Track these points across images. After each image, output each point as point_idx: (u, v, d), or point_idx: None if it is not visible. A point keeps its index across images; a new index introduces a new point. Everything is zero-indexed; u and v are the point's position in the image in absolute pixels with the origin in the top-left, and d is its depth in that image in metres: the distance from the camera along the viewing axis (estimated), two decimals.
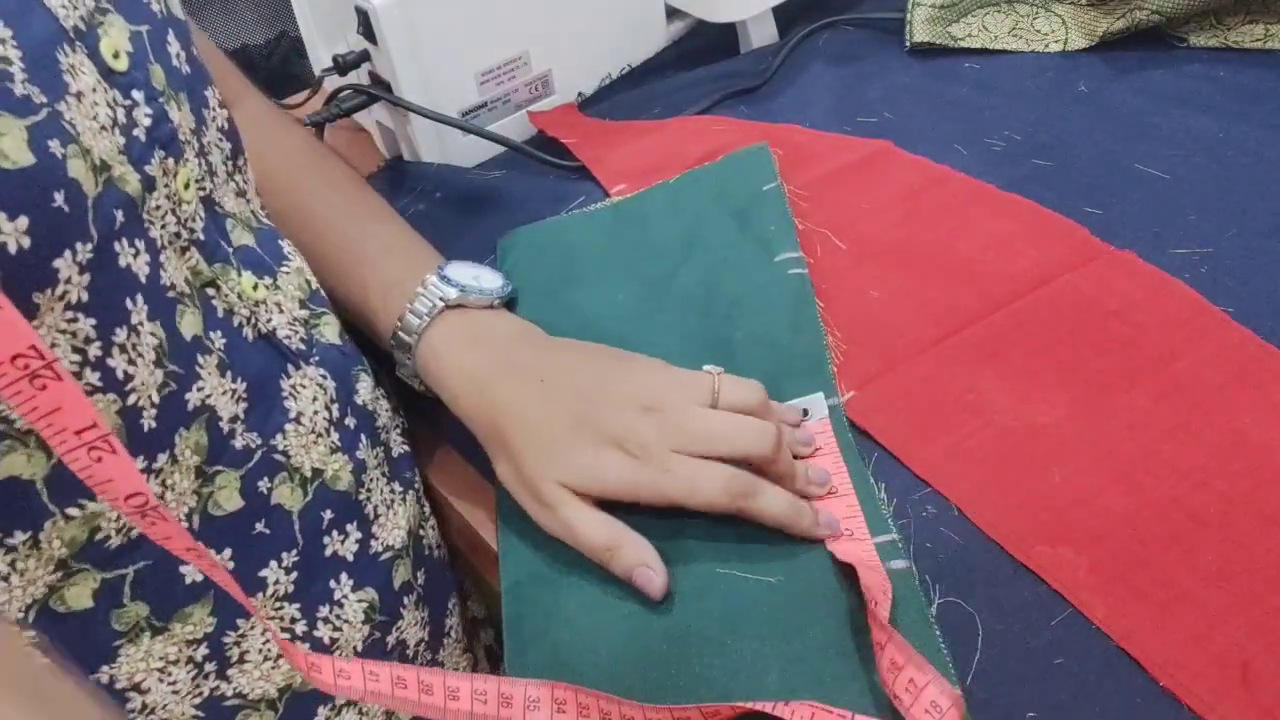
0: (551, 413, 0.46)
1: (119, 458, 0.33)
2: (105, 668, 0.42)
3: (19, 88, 0.34)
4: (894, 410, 0.49)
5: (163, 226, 0.41)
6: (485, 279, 0.55)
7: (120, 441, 0.35)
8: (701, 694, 0.40)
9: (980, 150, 0.64)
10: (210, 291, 0.44)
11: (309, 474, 0.47)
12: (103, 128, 0.38)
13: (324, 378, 0.49)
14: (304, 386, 0.48)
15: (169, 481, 0.41)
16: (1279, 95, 0.62)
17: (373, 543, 0.50)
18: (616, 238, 0.62)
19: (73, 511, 0.39)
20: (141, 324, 0.39)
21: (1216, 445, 0.45)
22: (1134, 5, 0.68)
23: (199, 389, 0.42)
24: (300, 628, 0.47)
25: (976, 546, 0.43)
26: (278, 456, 0.46)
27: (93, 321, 0.37)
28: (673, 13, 0.81)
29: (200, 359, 0.42)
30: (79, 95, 0.36)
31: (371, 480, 0.51)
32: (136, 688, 0.43)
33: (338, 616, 0.48)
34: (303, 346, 0.49)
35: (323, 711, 0.49)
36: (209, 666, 0.45)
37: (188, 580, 0.43)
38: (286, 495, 0.46)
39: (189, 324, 0.42)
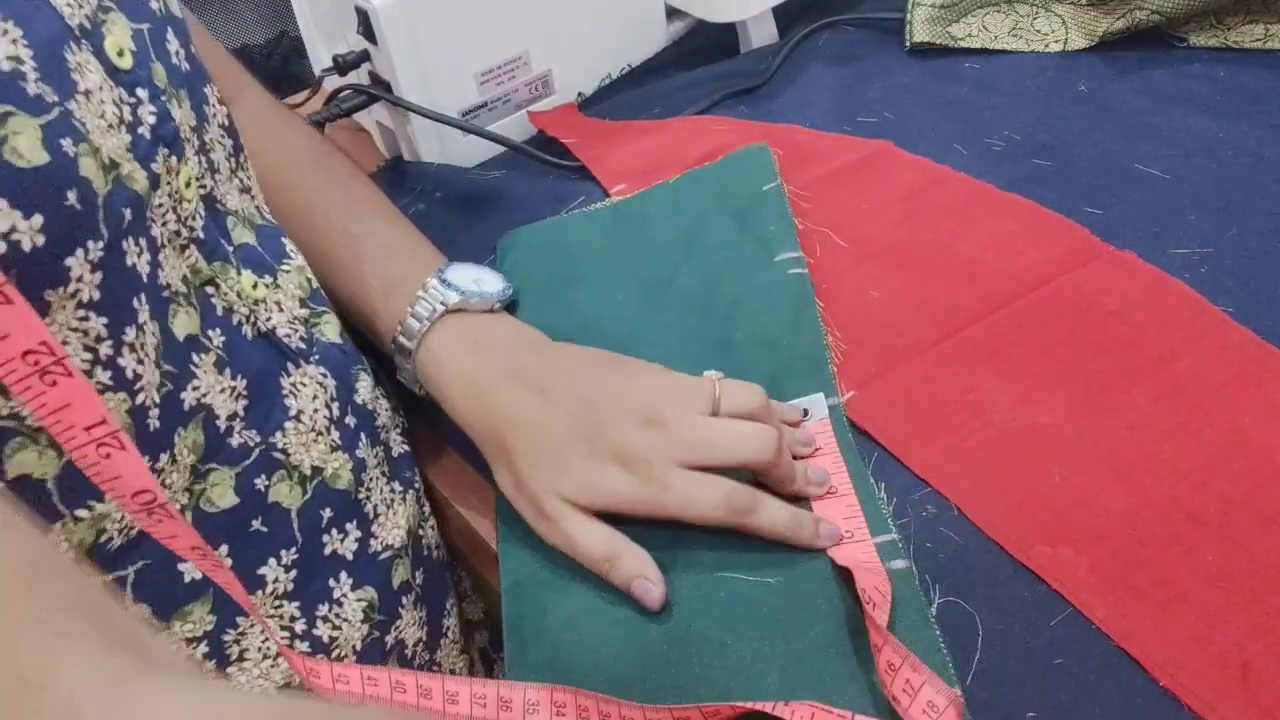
0: (552, 425, 0.46)
1: (128, 454, 0.34)
2: None
3: (32, 87, 0.34)
4: (894, 410, 0.49)
5: (163, 225, 0.41)
6: (486, 282, 0.55)
7: (130, 438, 0.35)
8: (701, 694, 0.40)
9: (980, 150, 0.64)
10: (209, 290, 0.44)
11: (308, 472, 0.47)
12: (110, 126, 0.38)
13: (324, 376, 0.49)
14: (304, 385, 0.48)
15: (167, 480, 0.41)
16: (1279, 95, 0.62)
17: (372, 542, 0.50)
18: (616, 238, 0.62)
19: (81, 513, 0.39)
20: (145, 323, 0.39)
21: (1216, 445, 0.44)
22: (1134, 5, 0.68)
23: (194, 388, 0.42)
24: (299, 626, 0.47)
25: (976, 546, 0.43)
26: (277, 454, 0.46)
27: (104, 320, 0.37)
28: (673, 13, 0.81)
29: (195, 358, 0.42)
30: (87, 94, 0.37)
31: (371, 479, 0.51)
32: None
33: (337, 615, 0.48)
34: (303, 345, 0.49)
35: None
36: (208, 665, 0.45)
37: (187, 579, 0.43)
38: (285, 493, 0.46)
39: (181, 324, 0.42)
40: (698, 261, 0.59)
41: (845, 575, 0.43)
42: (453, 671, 0.58)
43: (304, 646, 0.48)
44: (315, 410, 0.48)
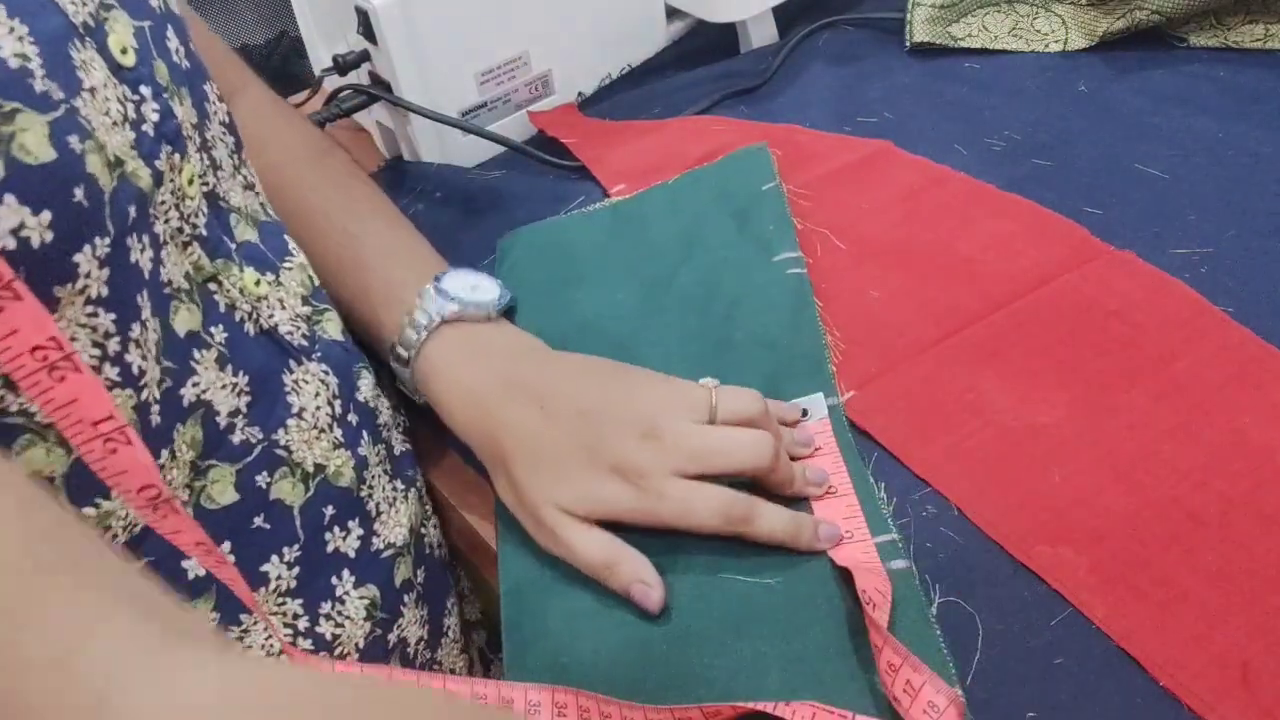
0: (550, 437, 0.46)
1: (134, 449, 0.34)
2: None
3: (39, 84, 0.34)
4: (894, 410, 0.49)
5: (166, 221, 0.41)
6: (483, 289, 0.55)
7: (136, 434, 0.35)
8: (702, 694, 0.40)
9: (980, 150, 0.64)
10: (212, 287, 0.44)
11: (311, 469, 0.47)
12: (115, 123, 0.38)
13: (326, 374, 0.49)
14: (306, 382, 0.48)
15: (167, 477, 0.41)
16: (1279, 95, 0.62)
17: (374, 540, 0.51)
18: (616, 238, 0.62)
19: (89, 511, 0.39)
20: (147, 319, 0.39)
21: (1216, 445, 0.44)
22: (1134, 5, 0.68)
23: (194, 384, 0.42)
24: (302, 624, 0.47)
25: (976, 546, 0.43)
26: (279, 451, 0.46)
27: (112, 316, 0.37)
28: (673, 13, 0.81)
29: (196, 354, 0.42)
30: (92, 91, 0.37)
31: (373, 477, 0.51)
32: None
33: (339, 613, 0.49)
34: (304, 342, 0.49)
35: None
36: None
37: (190, 575, 0.43)
38: (287, 490, 0.46)
39: (182, 320, 0.42)
40: (697, 261, 0.59)
41: (845, 575, 0.43)
42: (453, 671, 0.58)
43: (307, 644, 0.48)
44: (317, 407, 0.48)
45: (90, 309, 0.36)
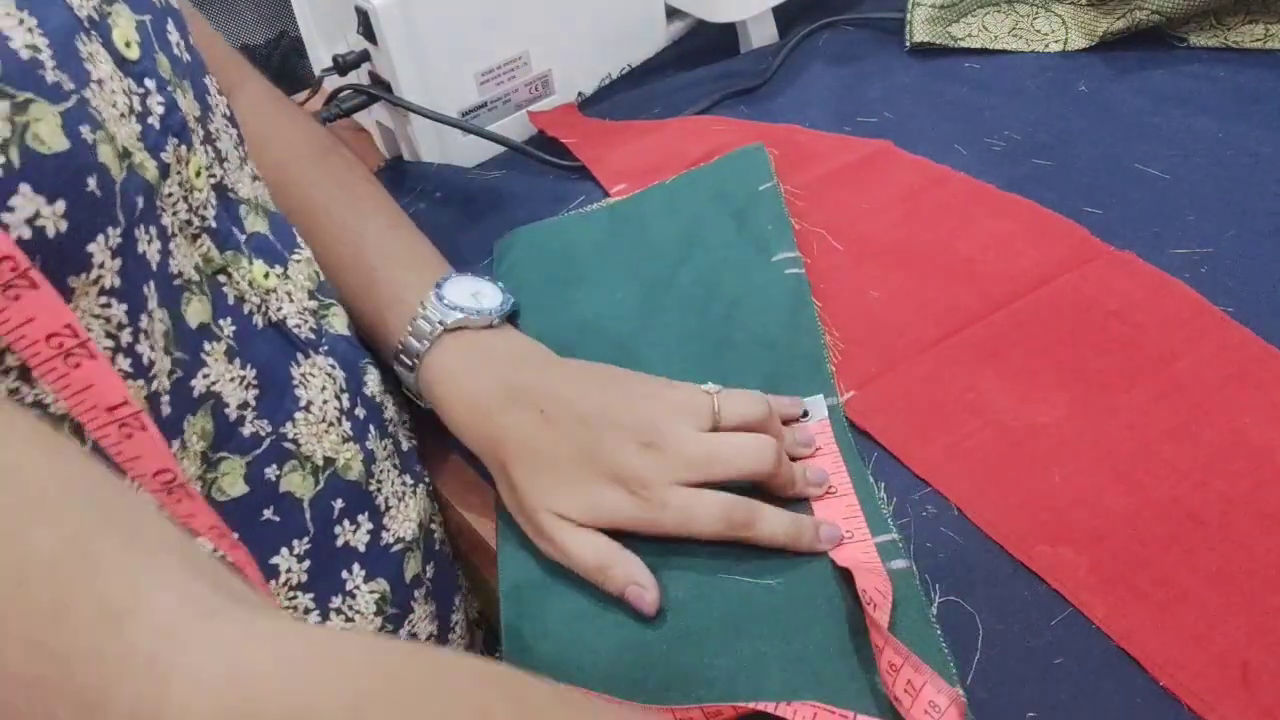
0: (551, 446, 0.47)
1: (149, 434, 0.34)
2: None
3: (50, 74, 0.34)
4: (894, 410, 0.49)
5: (174, 214, 0.42)
6: (485, 297, 0.55)
7: (150, 419, 0.35)
8: (703, 694, 0.40)
9: (980, 150, 0.64)
10: (221, 279, 0.44)
11: (320, 463, 0.47)
12: (122, 115, 0.38)
13: (333, 367, 0.49)
14: (313, 375, 0.48)
15: (180, 467, 0.41)
16: (1279, 95, 0.62)
17: (384, 534, 0.51)
18: (614, 238, 0.62)
19: None
20: (154, 310, 0.39)
21: (1216, 445, 0.45)
22: (1134, 5, 0.68)
23: (204, 375, 0.42)
24: (314, 618, 0.47)
25: (976, 546, 0.43)
26: (288, 444, 0.46)
27: (124, 307, 0.37)
28: (673, 13, 0.81)
29: (207, 346, 0.43)
30: (100, 83, 0.37)
31: (382, 472, 0.51)
32: None
33: (350, 607, 0.49)
34: (312, 336, 0.49)
35: None
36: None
37: None
38: (297, 483, 0.46)
39: (194, 312, 0.42)
40: (696, 262, 0.59)
41: (846, 576, 0.43)
42: None
43: None
44: (325, 401, 0.48)
45: (104, 299, 0.37)
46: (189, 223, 0.43)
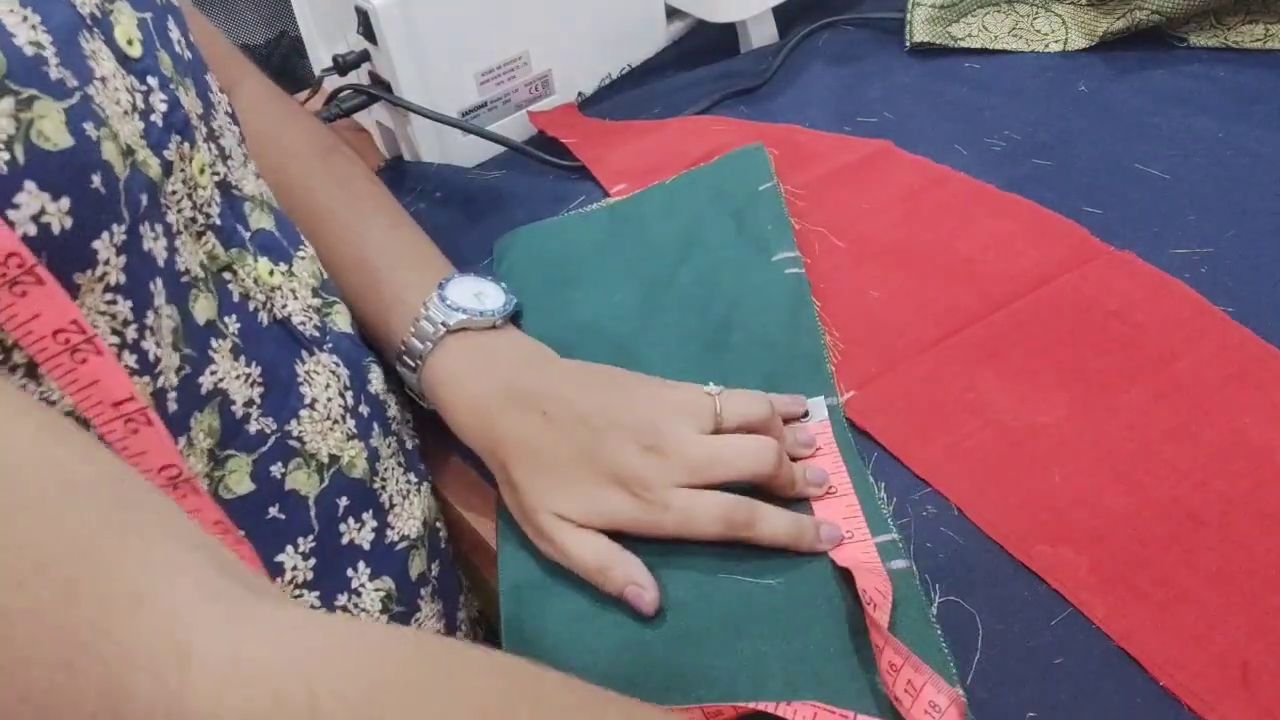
0: (553, 448, 0.47)
1: (155, 430, 0.34)
2: None
3: (54, 71, 0.34)
4: (894, 410, 0.49)
5: (179, 211, 0.42)
6: (488, 298, 0.55)
7: (156, 414, 0.35)
8: (703, 694, 0.40)
9: (980, 150, 0.64)
10: (227, 276, 0.45)
11: (325, 460, 0.47)
12: (125, 113, 0.38)
13: (337, 365, 0.49)
14: (318, 373, 0.48)
15: (186, 464, 0.41)
16: (1279, 95, 0.62)
17: (389, 532, 0.51)
18: (614, 238, 0.62)
19: None
20: (161, 307, 0.39)
21: (1216, 445, 0.45)
22: (1134, 5, 0.68)
23: (212, 372, 0.42)
24: None
25: (976, 546, 0.43)
26: (293, 442, 0.46)
27: (129, 304, 0.38)
28: (673, 13, 0.81)
29: (214, 343, 0.43)
30: (103, 80, 0.37)
31: (386, 469, 0.51)
32: None
33: (355, 605, 0.49)
34: (316, 333, 0.49)
35: None
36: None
37: None
38: (302, 480, 0.46)
39: (202, 308, 0.42)
40: (696, 262, 0.59)
41: (846, 576, 0.43)
42: None
43: None
44: (329, 399, 0.48)
45: (109, 296, 0.37)
46: (194, 220, 0.43)
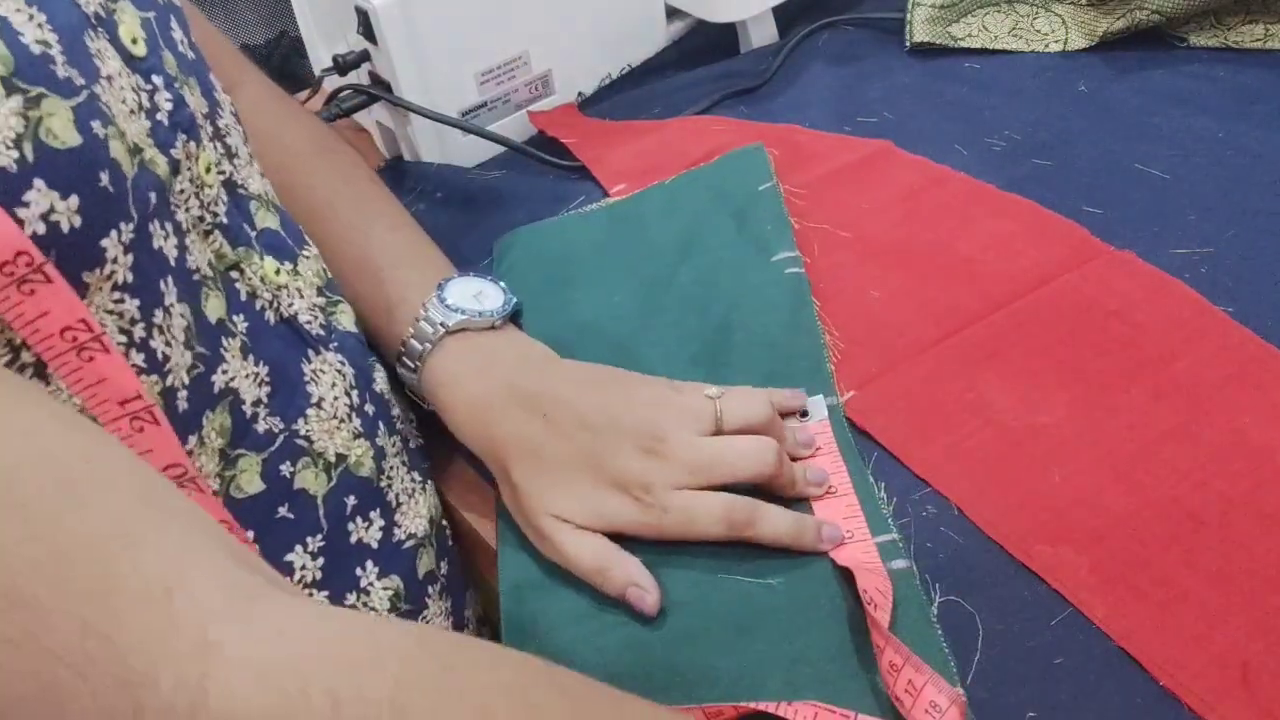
0: (552, 446, 0.47)
1: (161, 429, 0.34)
2: None
3: (61, 70, 0.34)
4: (894, 410, 0.49)
5: (187, 210, 0.42)
6: (487, 298, 0.54)
7: (163, 414, 0.35)
8: (704, 694, 0.40)
9: (980, 150, 0.64)
10: (234, 275, 0.45)
11: (332, 459, 0.47)
12: (131, 111, 0.38)
13: (342, 364, 0.49)
14: (324, 372, 0.48)
15: (198, 464, 0.41)
16: (1279, 95, 0.62)
17: (396, 530, 0.51)
18: (613, 238, 0.62)
19: None
20: (173, 306, 0.39)
21: (1216, 445, 0.45)
22: (1134, 5, 0.68)
23: (224, 371, 0.42)
24: None
25: (976, 546, 0.43)
26: (300, 441, 0.46)
27: (137, 303, 0.38)
28: (673, 13, 0.81)
29: (225, 342, 0.43)
30: (109, 79, 0.37)
31: (391, 468, 0.51)
32: None
33: (364, 604, 0.48)
34: (322, 332, 0.49)
35: None
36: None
37: None
38: (310, 480, 0.46)
39: (213, 307, 0.42)
40: (696, 262, 0.59)
41: (846, 576, 0.43)
42: None
43: None
44: (335, 397, 0.48)
45: (117, 295, 0.37)
46: (201, 219, 0.43)
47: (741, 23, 0.79)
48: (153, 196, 0.38)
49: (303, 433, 0.46)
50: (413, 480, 0.53)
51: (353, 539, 0.48)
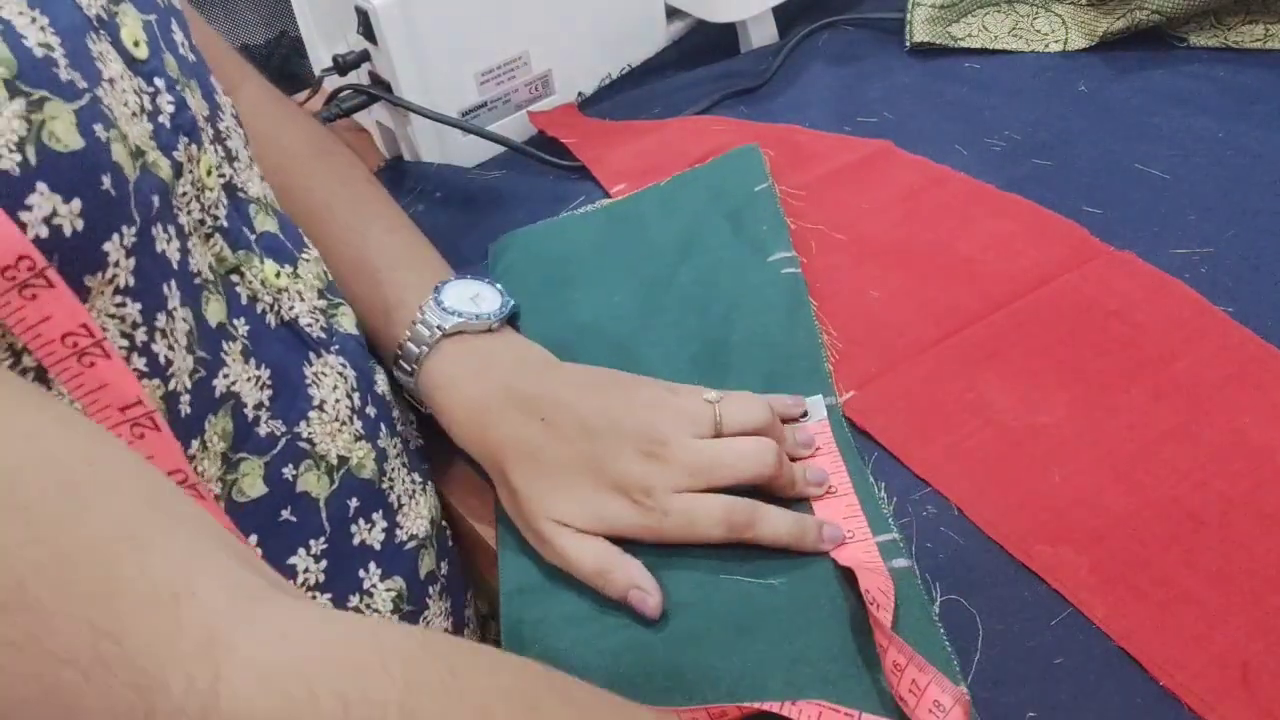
0: (551, 450, 0.47)
1: (162, 435, 0.34)
2: None
3: (63, 73, 0.34)
4: (894, 410, 0.49)
5: (188, 213, 0.42)
6: (485, 300, 0.54)
7: (164, 420, 0.35)
8: (706, 695, 0.40)
9: (980, 150, 0.64)
10: (234, 278, 0.45)
11: (335, 461, 0.47)
12: (133, 114, 0.38)
13: (344, 366, 0.49)
14: (325, 375, 0.48)
15: (200, 468, 0.41)
16: (1279, 95, 0.62)
17: (398, 531, 0.51)
18: (611, 240, 0.62)
19: None
20: (175, 309, 0.39)
21: (1216, 445, 0.45)
22: (1134, 5, 0.68)
23: (225, 375, 0.42)
24: None
25: (976, 546, 0.43)
26: (302, 444, 0.46)
27: (139, 306, 0.37)
28: (673, 13, 0.81)
29: (225, 345, 0.43)
30: (111, 82, 0.37)
31: (393, 470, 0.51)
32: None
33: (368, 606, 0.48)
34: (323, 335, 0.49)
35: None
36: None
37: None
38: (313, 483, 0.46)
39: (214, 310, 0.42)
40: (694, 262, 0.59)
41: (848, 576, 0.43)
42: None
43: None
44: (337, 400, 0.48)
45: (119, 299, 0.37)
46: (202, 222, 0.43)
47: (741, 23, 0.79)
48: (155, 200, 0.38)
49: (305, 436, 0.46)
50: (413, 481, 0.53)
51: (355, 541, 0.48)
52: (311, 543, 0.46)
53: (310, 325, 0.48)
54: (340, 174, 0.61)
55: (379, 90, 0.71)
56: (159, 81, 0.41)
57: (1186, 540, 0.42)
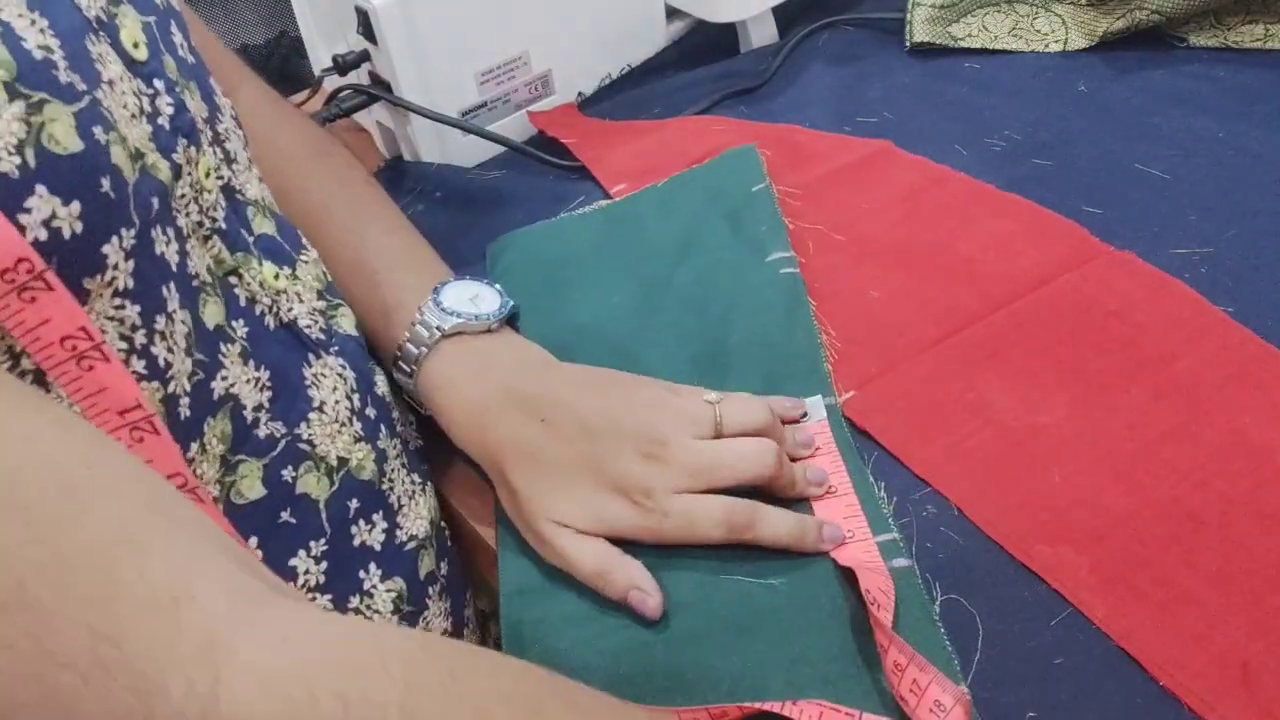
0: (551, 451, 0.47)
1: (161, 439, 0.34)
2: None
3: (63, 75, 0.34)
4: (894, 410, 0.49)
5: (187, 215, 0.42)
6: (484, 300, 0.54)
7: (163, 423, 0.35)
8: (707, 696, 0.40)
9: (980, 150, 0.64)
10: (233, 280, 0.45)
11: (335, 463, 0.47)
12: (133, 116, 0.38)
13: (343, 368, 0.49)
14: (325, 376, 0.48)
15: (198, 470, 0.41)
16: (1279, 95, 0.62)
17: (398, 532, 0.51)
18: (609, 240, 0.62)
19: None
20: (175, 312, 0.39)
21: (1216, 445, 0.45)
22: (1134, 5, 0.68)
23: (223, 377, 0.42)
24: None
25: (976, 546, 0.43)
26: (302, 445, 0.46)
27: (138, 309, 0.37)
28: (673, 13, 0.81)
29: (223, 348, 0.43)
30: (110, 83, 0.37)
31: (393, 470, 0.51)
32: None
33: (368, 607, 0.49)
34: (322, 336, 0.49)
35: None
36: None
37: None
38: (313, 484, 0.46)
39: (211, 313, 0.42)
40: (693, 263, 0.59)
41: (848, 575, 0.43)
42: None
43: None
44: (336, 401, 0.48)
45: (118, 301, 0.37)
46: (200, 224, 0.43)
47: (741, 23, 0.79)
48: (155, 202, 0.38)
49: (305, 437, 0.46)
50: (413, 482, 0.53)
51: (356, 542, 0.48)
52: (312, 544, 0.46)
53: (309, 327, 0.48)
54: (338, 175, 0.61)
55: (379, 90, 0.71)
56: (158, 83, 0.41)
57: (1186, 540, 0.42)
